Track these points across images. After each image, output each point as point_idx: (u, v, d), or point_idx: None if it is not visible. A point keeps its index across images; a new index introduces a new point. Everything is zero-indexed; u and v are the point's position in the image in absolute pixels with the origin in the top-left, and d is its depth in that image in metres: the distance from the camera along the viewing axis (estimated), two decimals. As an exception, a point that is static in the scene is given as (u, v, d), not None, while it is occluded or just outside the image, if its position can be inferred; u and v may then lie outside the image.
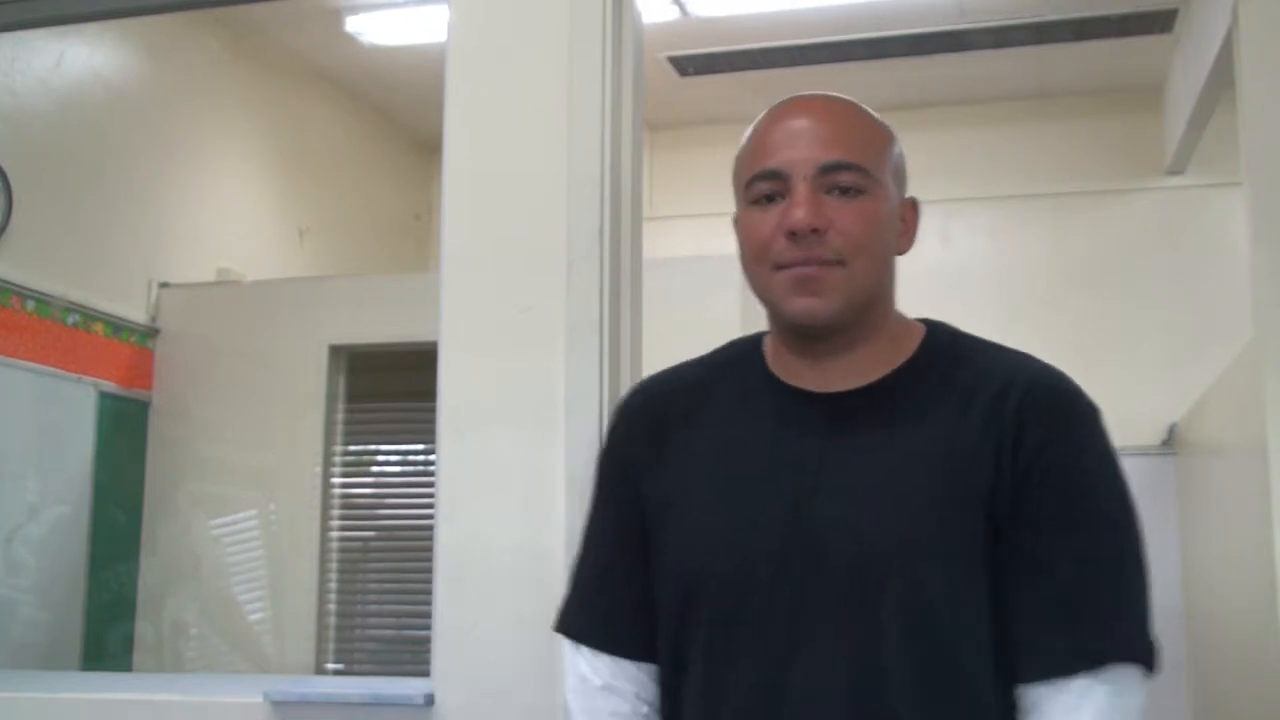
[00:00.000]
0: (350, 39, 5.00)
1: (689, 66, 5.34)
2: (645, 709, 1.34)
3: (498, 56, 2.25)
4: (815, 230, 1.22)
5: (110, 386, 4.07)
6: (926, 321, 1.35)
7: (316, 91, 5.36)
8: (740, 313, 3.80)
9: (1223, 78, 3.98)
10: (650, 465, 1.34)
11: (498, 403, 2.14)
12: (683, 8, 4.75)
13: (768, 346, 1.37)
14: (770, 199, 1.27)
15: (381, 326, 4.11)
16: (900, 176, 1.32)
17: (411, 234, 6.00)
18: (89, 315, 4.00)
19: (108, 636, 3.99)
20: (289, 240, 5.14)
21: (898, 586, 1.19)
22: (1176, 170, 5.34)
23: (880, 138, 1.30)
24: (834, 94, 1.34)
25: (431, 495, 2.17)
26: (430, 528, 2.16)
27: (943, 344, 1.32)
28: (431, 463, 2.22)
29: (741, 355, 1.39)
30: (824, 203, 1.23)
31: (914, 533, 1.20)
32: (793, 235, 1.23)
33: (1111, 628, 1.19)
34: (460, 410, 2.16)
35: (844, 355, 1.28)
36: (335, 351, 4.23)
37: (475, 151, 2.23)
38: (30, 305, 3.77)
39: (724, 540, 1.26)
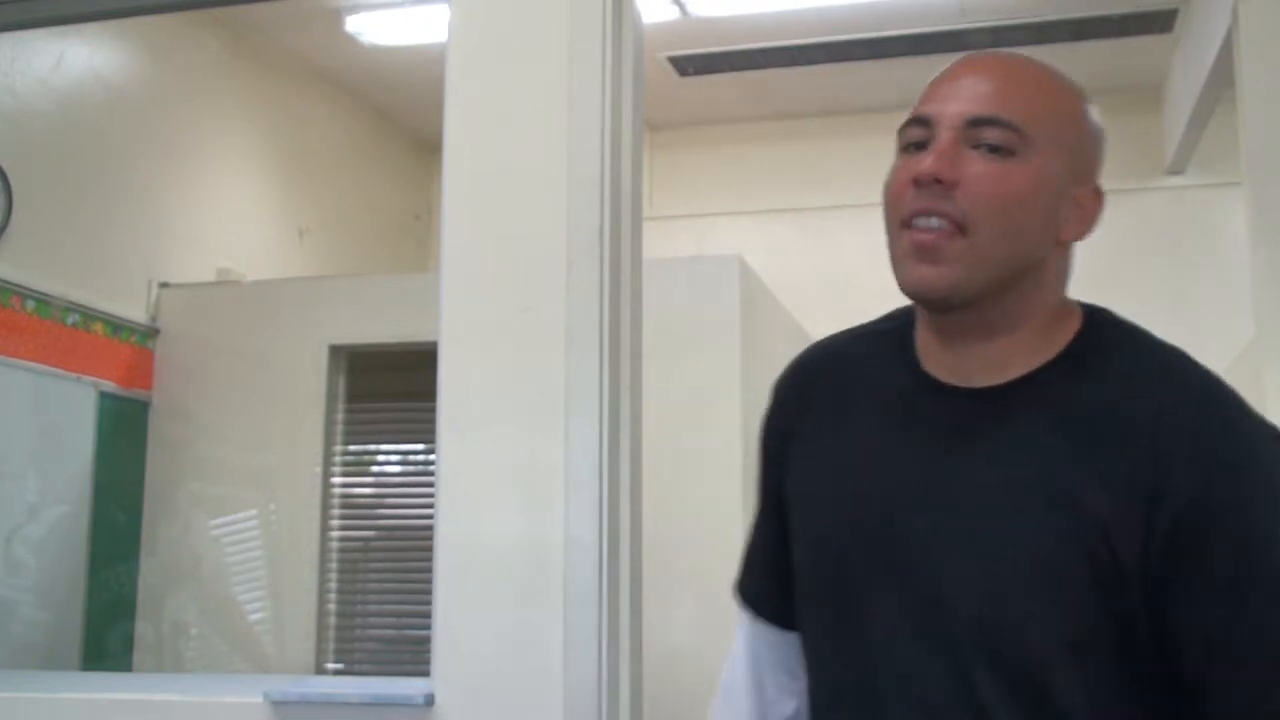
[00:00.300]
0: (350, 39, 5.01)
1: (689, 66, 5.34)
2: (774, 673, 1.36)
3: (498, 56, 2.25)
4: (940, 181, 1.10)
5: (110, 386, 4.07)
6: (1087, 310, 1.19)
7: (316, 91, 5.36)
8: (740, 313, 3.81)
9: (1223, 78, 3.99)
10: (787, 446, 1.30)
11: (498, 403, 2.14)
12: (683, 8, 4.75)
13: (919, 324, 1.25)
14: (920, 147, 1.15)
15: (381, 326, 4.11)
16: (1076, 153, 1.16)
17: (411, 234, 6.01)
18: (89, 315, 4.00)
19: (108, 636, 3.99)
20: (289, 240, 5.14)
21: (977, 624, 1.10)
22: (1176, 170, 5.35)
23: (1053, 104, 1.15)
24: (1020, 55, 1.20)
25: (431, 495, 2.17)
26: (430, 528, 2.16)
27: (1094, 343, 1.16)
28: (431, 463, 2.22)
29: (895, 330, 1.27)
30: (965, 158, 1.11)
31: (1003, 573, 1.09)
32: (918, 184, 1.12)
33: None
34: (460, 410, 2.16)
35: (979, 344, 1.16)
36: (335, 351, 4.23)
37: (475, 151, 2.23)
38: (30, 305, 3.77)
39: (828, 534, 1.23)
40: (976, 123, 1.12)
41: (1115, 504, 1.05)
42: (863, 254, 6.64)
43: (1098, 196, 1.17)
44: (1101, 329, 1.17)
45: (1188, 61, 4.71)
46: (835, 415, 1.26)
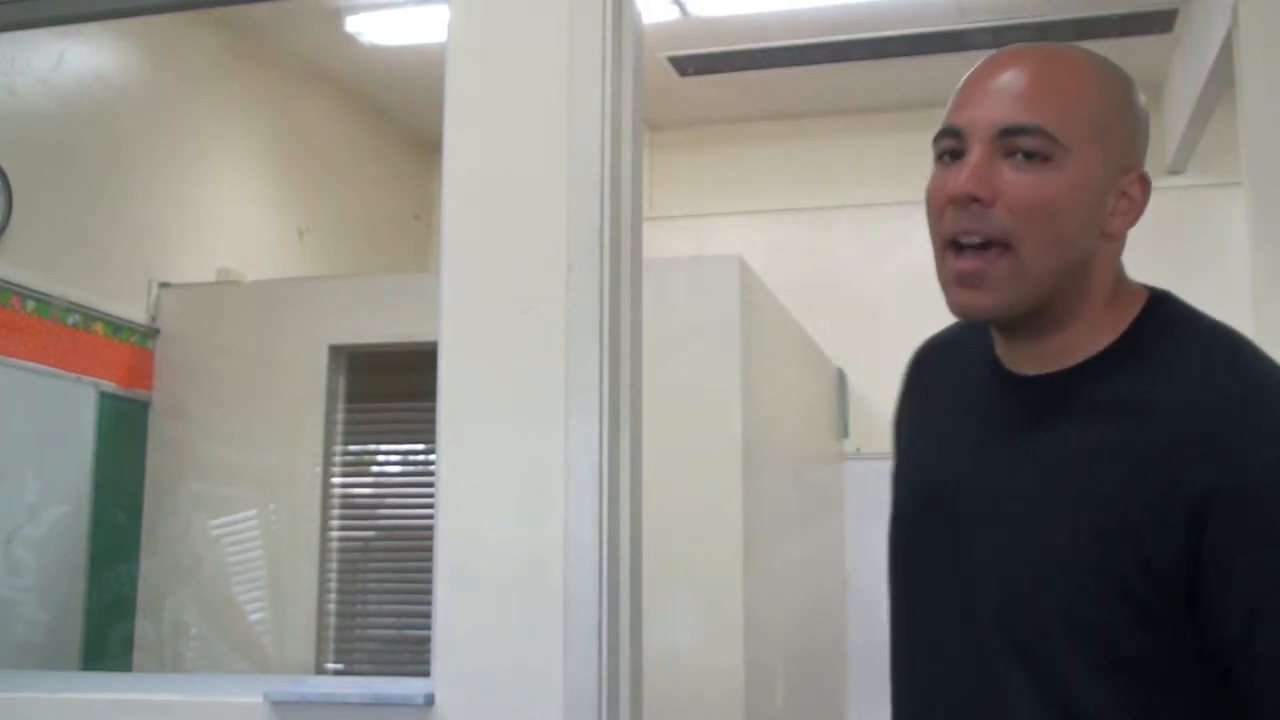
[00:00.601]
0: (350, 39, 5.01)
1: (689, 66, 5.34)
2: None
3: (498, 56, 2.25)
4: (977, 200, 1.09)
5: (110, 386, 4.07)
6: (1150, 297, 1.17)
7: (316, 91, 5.36)
8: (740, 313, 3.81)
9: (1223, 78, 3.99)
10: (900, 432, 1.35)
11: (498, 403, 2.14)
12: (683, 8, 4.75)
13: None
14: (955, 156, 1.13)
15: (381, 326, 4.11)
16: (1118, 144, 1.13)
17: (411, 234, 6.01)
18: (89, 315, 4.00)
19: (108, 636, 3.99)
20: (289, 240, 5.14)
21: (997, 613, 1.11)
22: (1176, 170, 5.34)
23: (1090, 99, 1.12)
24: (1057, 46, 1.17)
25: (431, 495, 2.17)
26: (430, 528, 2.16)
27: (1146, 332, 1.14)
28: (431, 463, 2.22)
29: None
30: (999, 171, 1.09)
31: (1021, 566, 1.10)
32: (955, 203, 1.11)
33: None
34: (460, 410, 2.16)
35: (1034, 341, 1.16)
36: (335, 351, 4.23)
37: (475, 151, 2.23)
38: (30, 305, 3.77)
39: (900, 516, 1.27)
40: (1009, 132, 1.09)
41: (1140, 498, 1.04)
42: (863, 254, 6.62)
43: (1144, 184, 1.15)
44: (1157, 317, 1.15)
45: (1188, 61, 4.71)
46: (931, 404, 1.30)
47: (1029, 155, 1.09)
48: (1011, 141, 1.09)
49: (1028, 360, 1.17)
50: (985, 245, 1.10)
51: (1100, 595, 1.04)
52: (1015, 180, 1.09)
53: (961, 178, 1.10)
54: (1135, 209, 1.14)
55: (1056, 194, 1.09)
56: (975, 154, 1.10)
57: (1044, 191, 1.09)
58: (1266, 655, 1.01)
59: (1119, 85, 1.15)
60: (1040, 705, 1.07)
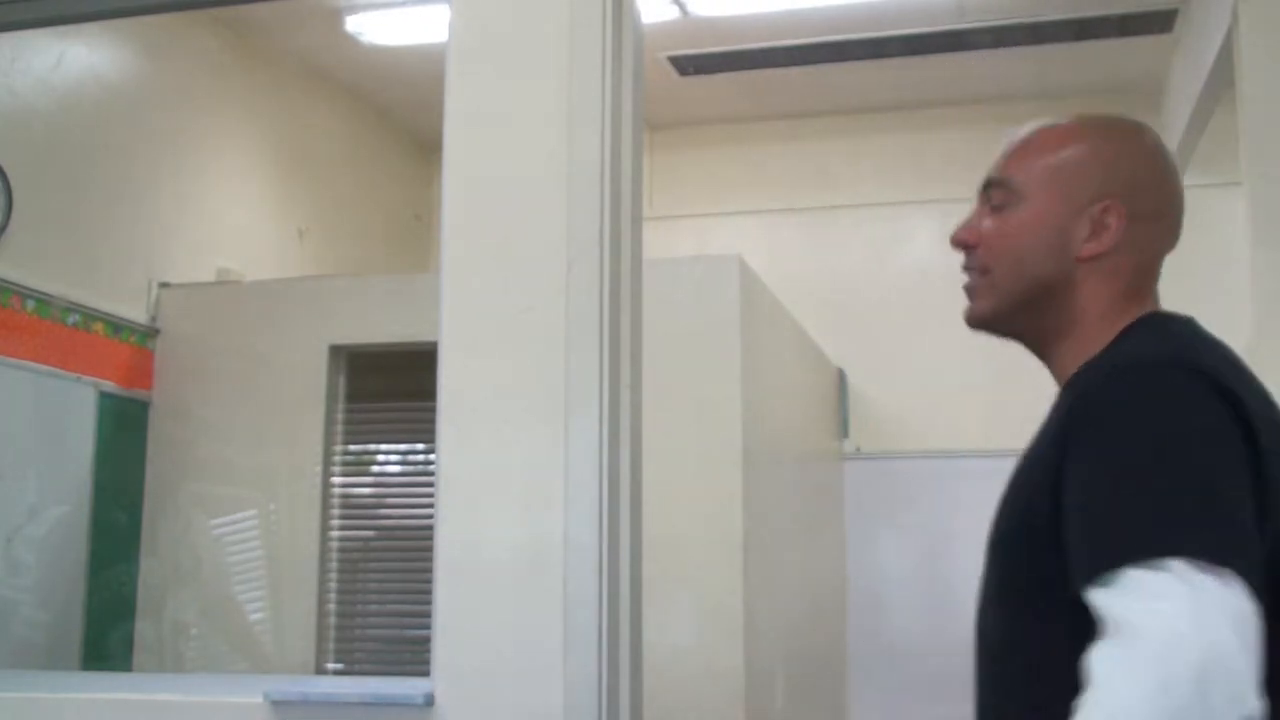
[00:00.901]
0: (350, 39, 5.01)
1: (689, 66, 5.34)
2: None
3: (498, 56, 2.25)
4: (966, 245, 1.40)
5: (110, 386, 4.07)
6: (1143, 315, 1.34)
7: (316, 91, 5.36)
8: (740, 313, 3.81)
9: (1223, 78, 3.98)
10: None
11: (498, 403, 2.14)
12: (683, 8, 4.75)
13: None
14: None
15: (381, 326, 4.11)
16: (1078, 183, 1.34)
17: (411, 234, 6.01)
18: (89, 315, 4.00)
19: (108, 636, 3.99)
20: (289, 240, 5.14)
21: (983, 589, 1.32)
22: (1176, 170, 5.34)
23: (1048, 152, 1.37)
24: (1058, 119, 1.41)
25: (431, 495, 2.17)
26: (430, 528, 2.16)
27: (1116, 343, 1.30)
28: (431, 463, 2.23)
29: None
30: (983, 216, 1.40)
31: (994, 539, 1.31)
32: (954, 246, 1.42)
33: (1093, 548, 1.13)
34: (460, 410, 2.16)
35: (1048, 361, 1.39)
36: (335, 351, 4.23)
37: (475, 151, 2.23)
38: (30, 305, 3.77)
39: None
40: (987, 186, 1.40)
41: (1046, 461, 1.21)
42: (863, 254, 6.61)
43: (1112, 212, 1.32)
44: (1131, 331, 1.31)
45: (1188, 61, 4.71)
46: None
47: (998, 205, 1.38)
48: (988, 195, 1.40)
49: (1054, 381, 1.37)
50: (980, 273, 1.39)
51: (1024, 556, 1.23)
52: (988, 224, 1.39)
53: (957, 229, 1.41)
54: (1109, 234, 1.32)
55: (1013, 231, 1.36)
56: (973, 208, 1.41)
57: (1004, 230, 1.37)
58: (1073, 548, 1.15)
59: (1094, 135, 1.38)
60: (1001, 630, 1.27)
